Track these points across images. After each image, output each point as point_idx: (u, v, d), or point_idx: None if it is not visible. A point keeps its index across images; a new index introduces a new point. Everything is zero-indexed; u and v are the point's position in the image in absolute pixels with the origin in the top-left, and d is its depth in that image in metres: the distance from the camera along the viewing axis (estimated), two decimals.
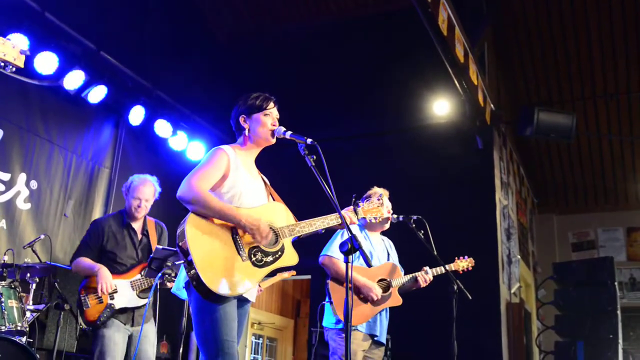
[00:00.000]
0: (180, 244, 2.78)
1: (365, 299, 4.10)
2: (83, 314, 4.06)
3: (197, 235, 2.76)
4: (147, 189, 4.35)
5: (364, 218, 3.35)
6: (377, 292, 4.11)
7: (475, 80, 6.48)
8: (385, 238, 4.57)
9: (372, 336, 4.16)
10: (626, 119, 9.12)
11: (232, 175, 2.96)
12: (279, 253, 2.95)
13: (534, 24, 8.33)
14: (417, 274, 4.34)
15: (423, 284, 4.33)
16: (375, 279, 4.24)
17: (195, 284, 2.71)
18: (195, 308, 2.79)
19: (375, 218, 3.40)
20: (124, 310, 4.12)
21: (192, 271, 2.69)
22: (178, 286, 3.00)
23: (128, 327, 4.15)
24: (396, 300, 4.27)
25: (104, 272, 4.07)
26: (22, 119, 5.80)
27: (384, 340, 4.28)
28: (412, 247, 4.61)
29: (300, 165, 3.05)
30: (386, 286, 4.25)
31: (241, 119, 3.11)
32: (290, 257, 2.99)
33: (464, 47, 6.10)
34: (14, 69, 2.73)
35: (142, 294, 4.17)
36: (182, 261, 2.77)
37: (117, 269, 4.19)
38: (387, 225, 4.42)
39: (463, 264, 4.62)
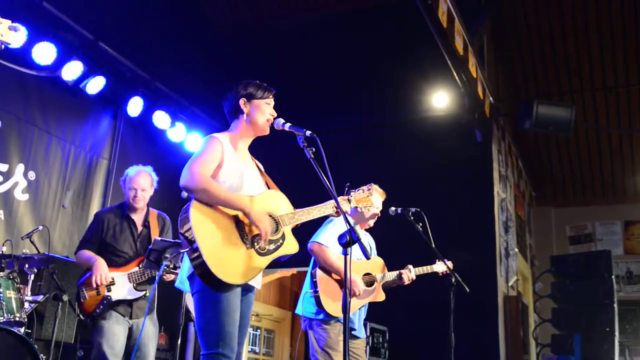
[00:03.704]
0: (184, 232, 2.75)
1: None
2: (81, 306, 4.09)
3: (201, 222, 2.73)
4: (142, 179, 4.35)
5: (356, 207, 3.41)
6: (359, 287, 4.08)
7: (474, 72, 6.47)
8: (368, 234, 4.54)
9: (350, 329, 4.12)
10: (625, 113, 9.12)
11: (226, 163, 2.95)
12: (281, 241, 2.96)
13: (533, 17, 8.31)
14: (401, 271, 4.34)
15: (406, 282, 4.33)
16: (361, 272, 4.22)
17: (200, 272, 2.69)
18: (199, 298, 2.77)
19: (365, 207, 3.46)
20: (121, 303, 4.13)
21: (198, 259, 2.67)
22: (182, 279, 2.94)
23: (127, 319, 4.16)
24: (380, 295, 4.27)
25: (99, 263, 4.09)
26: (20, 110, 5.79)
27: (362, 335, 4.26)
28: (407, 242, 4.61)
29: (292, 156, 3.05)
30: (371, 281, 4.24)
31: (241, 102, 3.08)
32: (291, 245, 3.01)
33: (463, 40, 6.08)
34: (2, 47, 2.52)
35: (140, 287, 4.17)
36: (187, 249, 2.73)
37: (116, 262, 4.20)
38: (371, 223, 4.38)
39: (442, 267, 4.58)
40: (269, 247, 2.90)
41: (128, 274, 4.17)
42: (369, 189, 3.48)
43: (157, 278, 3.97)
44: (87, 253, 4.20)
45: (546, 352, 7.51)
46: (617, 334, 6.67)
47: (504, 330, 7.10)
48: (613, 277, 6.93)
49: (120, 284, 4.14)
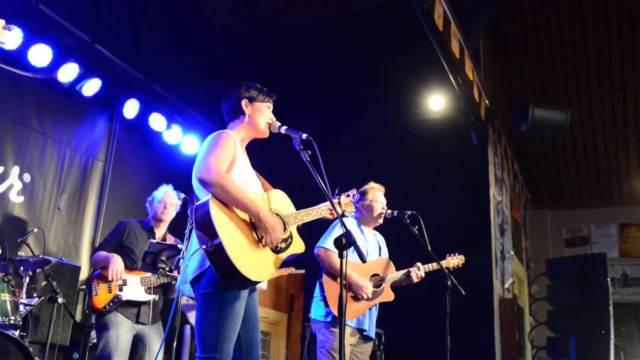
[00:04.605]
0: (202, 228, 2.69)
1: (357, 297, 4.11)
2: (90, 300, 4.17)
3: (222, 218, 2.70)
4: (170, 196, 4.62)
5: (344, 212, 3.43)
6: (368, 291, 4.11)
7: (470, 76, 6.48)
8: (377, 233, 4.58)
9: (361, 330, 4.17)
10: (620, 116, 9.15)
11: (238, 161, 2.94)
12: (289, 240, 2.96)
13: (529, 20, 8.33)
14: (409, 269, 4.35)
15: (415, 280, 4.36)
16: (369, 274, 4.24)
17: (221, 269, 2.64)
18: (204, 299, 2.73)
19: (349, 213, 3.49)
20: (129, 304, 4.22)
21: (221, 255, 2.61)
22: (185, 279, 2.89)
23: (132, 323, 4.24)
24: (388, 295, 4.29)
25: (116, 259, 4.23)
26: (15, 112, 5.77)
27: (372, 335, 4.29)
28: (405, 242, 4.61)
29: (288, 158, 3.05)
30: (379, 281, 4.26)
31: (244, 103, 3.08)
32: (298, 244, 3.02)
33: (459, 43, 6.09)
34: None
35: (149, 291, 4.28)
36: (207, 245, 2.64)
37: (130, 266, 4.32)
38: (380, 221, 4.45)
39: (454, 261, 4.62)
40: (281, 246, 2.90)
41: (141, 278, 4.29)
42: (352, 196, 3.52)
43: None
44: (104, 253, 4.35)
45: (542, 354, 7.51)
46: (612, 336, 6.68)
47: (499, 332, 7.11)
48: (608, 279, 6.94)
49: (132, 285, 4.24)
